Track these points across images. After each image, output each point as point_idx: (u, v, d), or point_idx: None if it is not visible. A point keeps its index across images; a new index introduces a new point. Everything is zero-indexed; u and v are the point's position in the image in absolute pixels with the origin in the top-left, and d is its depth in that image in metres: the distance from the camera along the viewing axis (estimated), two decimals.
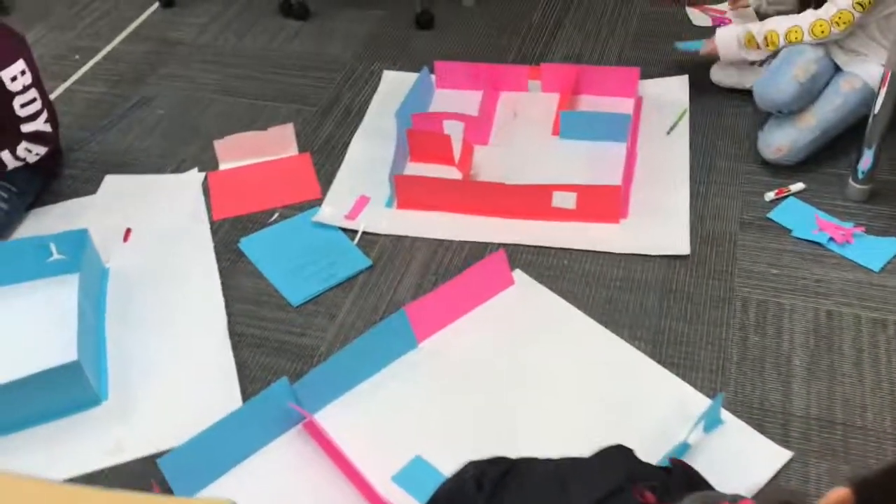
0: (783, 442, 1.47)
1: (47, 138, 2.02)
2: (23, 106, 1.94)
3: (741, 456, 1.44)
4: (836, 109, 1.96)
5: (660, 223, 1.91)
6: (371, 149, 2.21)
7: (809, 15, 1.98)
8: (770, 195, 1.95)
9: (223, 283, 1.87)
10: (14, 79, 1.91)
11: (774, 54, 2.06)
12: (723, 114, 2.22)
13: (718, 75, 2.28)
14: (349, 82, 2.48)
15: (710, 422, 1.48)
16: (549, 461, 1.17)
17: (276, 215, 2.04)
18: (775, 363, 1.60)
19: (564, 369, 1.61)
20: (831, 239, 1.82)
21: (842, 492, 0.68)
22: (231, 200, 2.09)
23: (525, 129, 2.22)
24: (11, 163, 1.98)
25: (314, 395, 1.57)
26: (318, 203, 2.06)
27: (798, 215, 1.90)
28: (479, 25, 2.68)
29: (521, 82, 2.34)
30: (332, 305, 1.80)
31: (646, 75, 2.32)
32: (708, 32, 2.49)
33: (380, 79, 2.48)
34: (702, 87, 2.30)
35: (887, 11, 1.93)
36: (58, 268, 1.89)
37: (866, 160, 1.86)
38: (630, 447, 1.19)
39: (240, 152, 2.19)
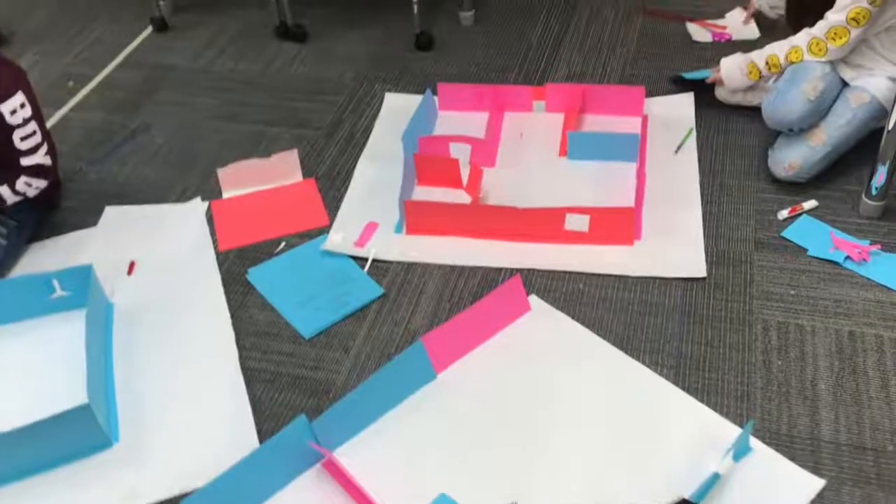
0: (814, 469, 1.44)
1: (47, 172, 1.98)
2: (23, 139, 1.90)
3: (773, 485, 1.42)
4: (847, 124, 1.95)
5: (674, 244, 1.89)
6: (377, 173, 2.18)
7: (804, 35, 1.98)
8: (783, 213, 1.93)
9: (232, 316, 1.83)
10: (14, 112, 1.87)
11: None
12: (729, 131, 2.21)
13: (723, 93, 2.27)
14: (351, 105, 2.45)
15: (740, 450, 1.45)
16: None
17: (283, 244, 2.00)
18: (800, 388, 1.58)
19: (588, 399, 1.58)
20: (848, 258, 1.80)
21: None
22: (236, 230, 2.05)
23: (532, 151, 2.19)
24: (11, 198, 1.94)
25: (333, 433, 1.53)
26: (325, 230, 2.02)
27: (813, 234, 1.88)
28: (479, 46, 2.66)
29: (525, 103, 2.32)
30: (345, 337, 1.76)
31: (649, 93, 2.30)
32: (708, 49, 2.49)
33: (382, 101, 2.45)
34: (707, 105, 2.29)
35: (887, 25, 1.93)
36: (61, 304, 1.85)
37: (880, 176, 1.85)
38: None
39: (243, 180, 2.16)
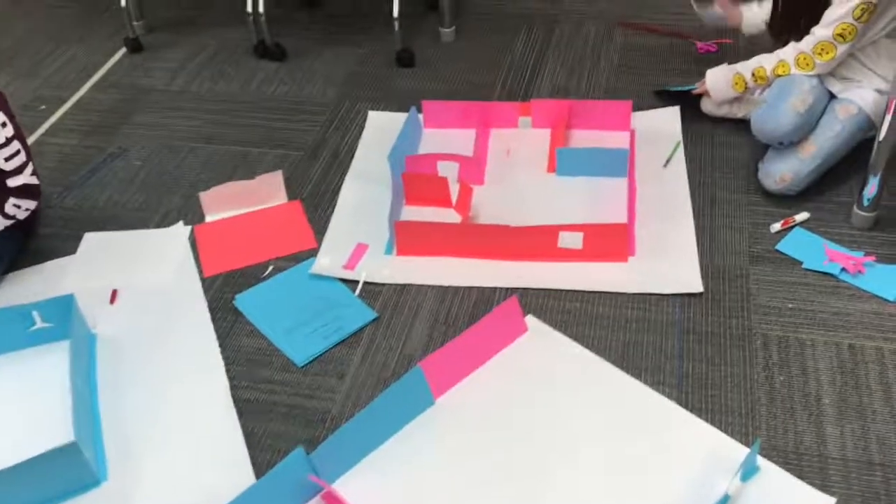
0: (823, 487, 1.42)
1: (35, 192, 1.92)
2: (7, 159, 1.85)
3: None
4: (836, 136, 1.95)
5: (669, 260, 1.87)
6: (363, 193, 2.14)
7: (791, 49, 1.98)
8: (776, 226, 1.92)
9: (221, 345, 1.77)
10: None
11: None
12: (717, 144, 2.20)
13: (709, 105, 2.27)
14: (334, 124, 2.41)
15: (748, 470, 1.43)
16: None
17: (270, 268, 1.95)
18: (804, 403, 1.56)
19: (591, 421, 1.55)
20: (843, 269, 1.80)
21: None
22: (221, 254, 2.00)
23: (520, 168, 2.17)
24: (1, 223, 1.87)
25: (332, 464, 1.48)
26: (313, 253, 1.98)
27: (806, 246, 1.87)
28: (461, 62, 2.64)
29: (511, 119, 2.30)
30: (339, 363, 1.72)
31: (635, 107, 2.29)
32: (692, 62, 2.48)
33: (365, 119, 2.41)
34: (693, 118, 2.28)
35: (873, 39, 1.93)
36: (42, 336, 1.78)
37: (872, 187, 1.85)
38: None
39: (227, 203, 2.11)
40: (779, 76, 2.00)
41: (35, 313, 1.76)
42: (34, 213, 2.00)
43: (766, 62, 2.03)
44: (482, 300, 1.82)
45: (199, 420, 1.62)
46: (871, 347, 1.65)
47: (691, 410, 1.56)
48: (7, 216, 1.89)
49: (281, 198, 2.14)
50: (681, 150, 2.18)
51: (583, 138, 2.25)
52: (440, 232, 1.91)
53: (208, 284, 1.92)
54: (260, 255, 1.99)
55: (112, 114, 2.54)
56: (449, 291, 1.85)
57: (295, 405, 1.65)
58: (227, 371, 1.71)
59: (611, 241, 1.86)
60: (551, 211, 2.00)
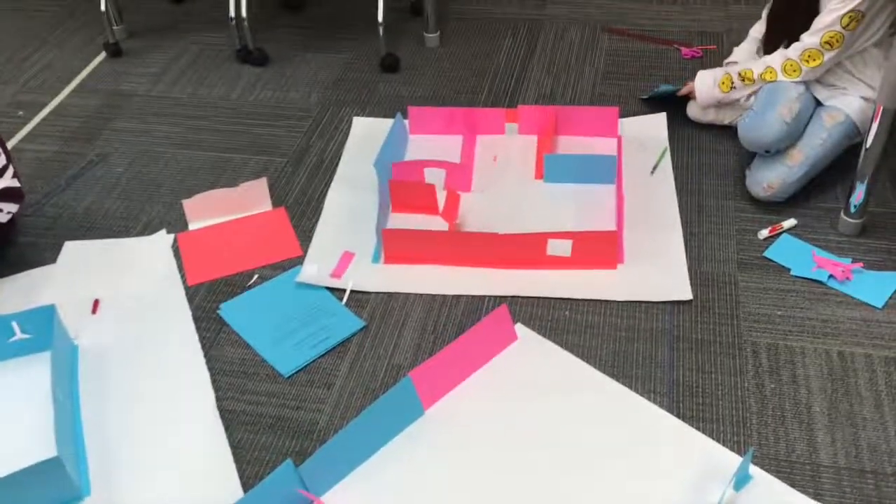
0: (816, 496, 1.42)
1: (17, 194, 1.89)
2: None
3: None
4: (822, 144, 1.95)
5: (658, 267, 1.86)
6: (349, 200, 2.12)
7: (779, 56, 1.99)
8: (764, 233, 1.92)
9: (206, 355, 1.74)
10: None
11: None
12: (703, 150, 2.20)
13: (695, 111, 2.27)
14: (318, 130, 2.39)
15: (741, 479, 1.42)
16: None
17: (255, 277, 1.92)
18: (795, 411, 1.56)
19: (581, 430, 1.54)
20: (831, 276, 1.80)
21: None
22: (205, 263, 1.97)
23: (507, 174, 2.16)
24: None
25: (321, 477, 1.46)
26: (298, 261, 1.95)
27: (794, 253, 1.87)
28: (446, 67, 2.62)
29: (497, 125, 2.29)
30: (327, 373, 1.70)
31: (621, 113, 2.28)
32: (676, 67, 2.48)
33: (349, 125, 2.39)
34: (679, 124, 2.28)
35: (861, 48, 1.94)
36: (22, 348, 1.74)
37: (859, 194, 1.85)
38: None
39: (210, 211, 2.07)
40: (766, 81, 2.00)
41: (14, 324, 1.72)
42: (11, 222, 1.96)
43: (754, 66, 2.03)
44: (471, 309, 1.81)
45: (185, 432, 1.59)
46: (861, 354, 1.65)
47: (683, 419, 1.55)
48: None
49: (265, 205, 2.11)
50: (668, 156, 2.18)
51: (570, 145, 2.24)
52: (428, 240, 1.89)
53: (192, 293, 1.89)
54: (245, 264, 1.96)
55: (92, 119, 2.50)
56: (437, 300, 1.84)
57: (282, 416, 1.62)
58: (213, 382, 1.68)
59: (600, 249, 1.85)
60: (539, 218, 1.99)
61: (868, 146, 1.79)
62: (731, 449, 1.50)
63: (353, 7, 2.92)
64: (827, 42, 1.88)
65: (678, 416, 1.56)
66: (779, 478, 1.45)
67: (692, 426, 1.54)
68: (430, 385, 1.59)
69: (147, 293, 1.90)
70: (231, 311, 1.84)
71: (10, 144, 2.40)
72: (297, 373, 1.70)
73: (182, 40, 2.85)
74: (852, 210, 1.88)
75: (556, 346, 1.71)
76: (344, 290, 1.86)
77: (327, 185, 2.17)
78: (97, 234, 2.07)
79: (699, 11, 2.79)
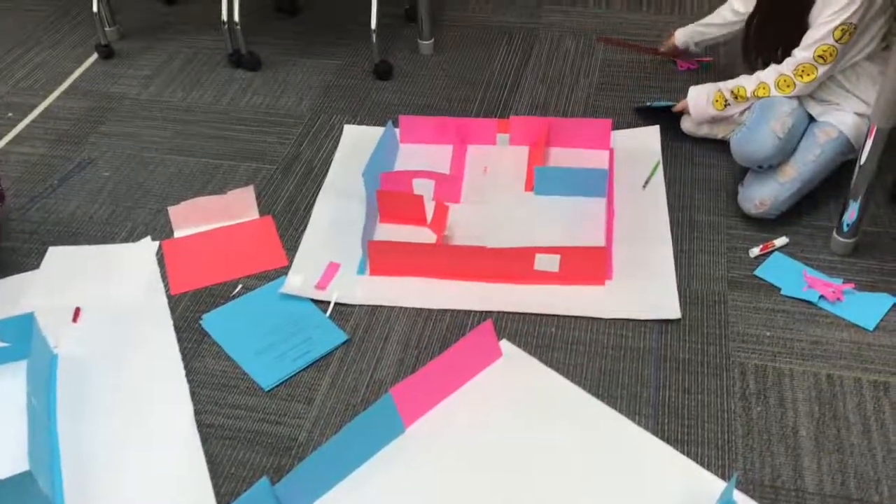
0: None
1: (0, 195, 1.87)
2: None
3: None
4: (815, 160, 1.93)
5: (647, 284, 1.84)
6: (337, 209, 2.09)
7: (772, 71, 1.96)
8: (755, 251, 1.90)
9: (186, 367, 1.72)
10: None
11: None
12: (696, 164, 2.18)
13: (689, 125, 2.24)
14: (308, 137, 2.36)
15: None
16: None
17: (239, 287, 1.90)
18: (781, 435, 1.53)
19: (564, 451, 1.52)
20: (822, 297, 1.78)
21: None
22: (189, 272, 1.94)
23: (497, 186, 2.13)
24: None
25: (297, 495, 1.44)
26: (283, 271, 1.93)
27: (785, 272, 1.85)
28: (439, 75, 2.60)
29: (489, 136, 2.26)
30: (308, 388, 1.67)
31: (615, 125, 2.26)
32: (672, 80, 2.46)
33: (340, 132, 2.37)
34: (673, 138, 2.25)
35: (853, 61, 1.92)
36: (0, 356, 1.72)
37: (852, 213, 1.83)
38: None
39: (196, 218, 2.05)
40: (759, 97, 1.97)
41: None
42: None
43: (746, 82, 2.01)
44: (456, 324, 1.78)
45: (161, 446, 1.57)
46: (850, 378, 1.63)
47: (667, 441, 1.53)
48: None
49: (252, 213, 2.09)
50: (660, 170, 2.15)
51: (562, 156, 2.21)
52: (414, 252, 1.87)
53: (175, 303, 1.87)
54: (229, 273, 1.93)
55: (81, 122, 2.47)
56: (422, 314, 1.81)
57: (261, 431, 1.59)
58: (192, 394, 1.66)
59: (588, 265, 1.83)
60: (528, 231, 1.97)
61: (862, 163, 1.76)
62: (716, 473, 1.47)
63: (347, 13, 2.89)
64: (820, 56, 1.86)
65: (663, 438, 1.53)
66: None
67: (676, 449, 1.51)
68: (412, 402, 1.57)
69: (129, 302, 1.87)
70: (213, 321, 1.82)
71: None
72: (277, 386, 1.68)
73: (175, 43, 2.82)
74: (845, 229, 1.86)
75: (541, 363, 1.68)
76: (328, 302, 1.83)
77: (316, 194, 2.15)
78: (82, 240, 2.05)
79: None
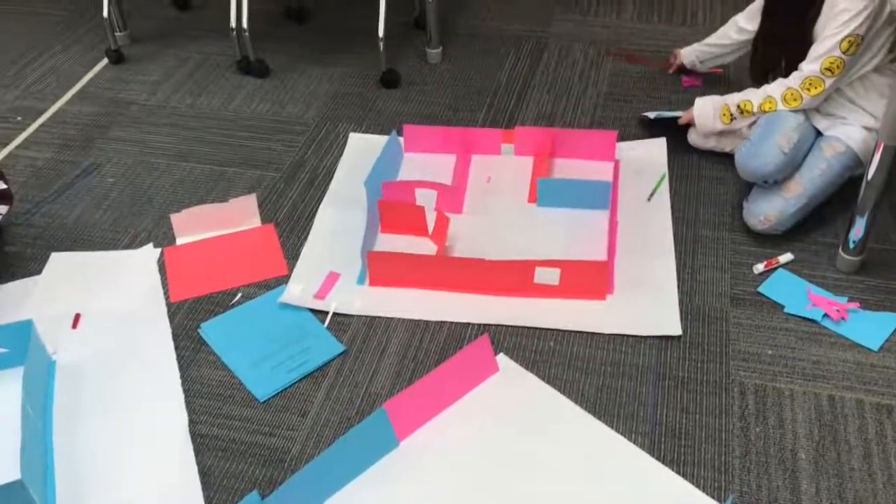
0: None
1: (6, 196, 1.90)
2: None
3: None
4: (822, 175, 1.90)
5: (648, 300, 1.82)
6: (339, 218, 2.09)
7: (778, 85, 1.94)
8: (759, 267, 1.87)
9: (183, 376, 1.72)
10: None
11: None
12: (703, 178, 2.15)
13: (696, 137, 2.22)
14: (314, 145, 2.36)
15: None
16: None
17: (239, 295, 1.90)
18: (780, 457, 1.51)
19: (559, 470, 1.50)
20: (826, 315, 1.75)
21: None
22: (190, 280, 1.94)
23: (500, 197, 2.12)
24: None
25: None
26: (283, 280, 1.92)
27: (789, 289, 1.82)
28: (447, 84, 2.59)
29: (493, 146, 2.25)
30: (302, 399, 1.66)
31: (621, 136, 2.25)
32: (679, 92, 2.44)
33: (345, 141, 2.36)
34: (679, 150, 2.23)
35: (860, 73, 1.89)
36: None
37: (858, 229, 1.80)
38: None
39: (198, 226, 2.05)
40: (765, 112, 1.95)
41: None
42: None
43: (753, 96, 1.98)
44: (453, 336, 1.77)
45: (155, 456, 1.56)
46: (852, 399, 1.60)
47: (663, 461, 1.51)
48: None
49: (254, 222, 2.09)
50: (666, 183, 2.13)
51: (566, 167, 2.20)
52: (413, 263, 1.86)
53: (174, 311, 1.87)
54: (229, 282, 1.93)
55: (89, 127, 2.48)
56: (420, 325, 1.80)
57: (254, 443, 1.59)
58: (187, 404, 1.66)
59: (589, 279, 1.81)
60: (529, 243, 1.95)
61: (869, 178, 1.73)
62: (712, 495, 1.45)
63: (356, 20, 2.89)
64: (827, 69, 1.83)
65: (659, 457, 1.51)
66: None
67: (672, 469, 1.49)
68: (406, 416, 1.56)
69: (129, 309, 1.87)
70: (211, 330, 1.81)
71: (6, 151, 2.40)
72: (272, 397, 1.67)
73: (185, 49, 2.83)
74: (851, 246, 1.83)
75: (538, 379, 1.67)
76: (327, 312, 1.83)
77: (319, 202, 2.15)
78: (84, 246, 2.06)
79: (707, 33, 2.72)
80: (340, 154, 2.32)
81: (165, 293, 1.91)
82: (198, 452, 1.57)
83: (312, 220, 2.09)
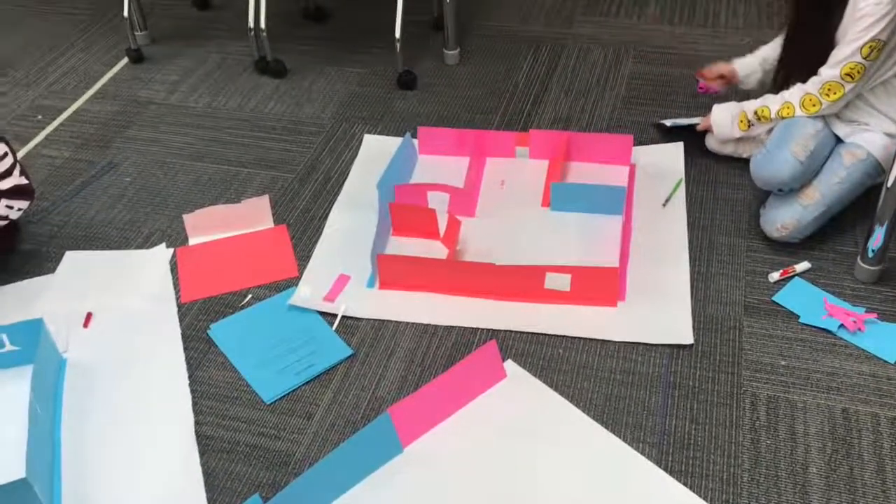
0: None
1: (27, 191, 1.93)
2: None
3: None
4: (841, 182, 1.86)
5: (660, 307, 1.79)
6: (351, 221, 2.08)
7: (797, 90, 1.90)
8: (775, 276, 1.84)
9: (190, 377, 1.72)
10: None
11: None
12: (720, 184, 2.12)
13: (714, 143, 2.18)
14: (328, 146, 2.36)
15: None
16: None
17: (248, 297, 1.90)
18: (790, 471, 1.48)
19: (565, 479, 1.48)
20: (842, 326, 1.71)
21: None
22: (201, 280, 1.95)
23: (513, 200, 2.10)
24: None
25: None
26: (293, 282, 1.92)
27: (805, 298, 1.79)
28: (463, 86, 2.57)
29: (507, 149, 2.23)
30: (308, 402, 1.66)
31: (638, 141, 2.22)
32: (700, 96, 2.40)
33: (360, 142, 2.36)
34: (697, 155, 2.20)
35: (882, 78, 1.85)
36: (10, 359, 1.74)
37: (877, 238, 1.76)
38: None
39: (211, 226, 2.06)
40: (783, 118, 1.91)
41: (3, 336, 1.72)
42: (16, 228, 1.97)
43: (771, 102, 1.95)
44: (461, 342, 1.76)
45: (160, 457, 1.57)
46: (867, 413, 1.56)
47: (671, 472, 1.48)
48: (0, 217, 1.89)
49: (267, 223, 2.09)
50: (682, 188, 2.10)
51: (581, 172, 2.17)
52: (423, 267, 1.85)
53: (185, 311, 1.88)
54: (240, 283, 1.93)
55: (107, 126, 2.50)
56: (428, 330, 1.79)
57: (259, 445, 1.59)
58: (194, 405, 1.66)
59: (600, 285, 1.79)
60: (542, 248, 1.93)
61: (889, 186, 1.69)
62: None
63: (374, 20, 2.88)
64: (847, 74, 1.79)
65: (666, 469, 1.49)
66: None
67: (680, 481, 1.47)
68: (411, 422, 1.55)
69: (139, 309, 1.88)
70: (220, 332, 1.82)
71: (25, 149, 2.42)
72: (279, 400, 1.67)
73: (204, 48, 2.84)
74: (870, 255, 1.79)
75: (546, 386, 1.65)
76: (335, 315, 1.82)
77: (331, 204, 2.14)
78: (99, 245, 2.07)
79: (728, 35, 2.70)
80: (355, 155, 2.31)
81: (177, 294, 1.92)
82: (202, 453, 1.57)
83: (324, 221, 2.09)
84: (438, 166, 2.22)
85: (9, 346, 1.74)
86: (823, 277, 1.83)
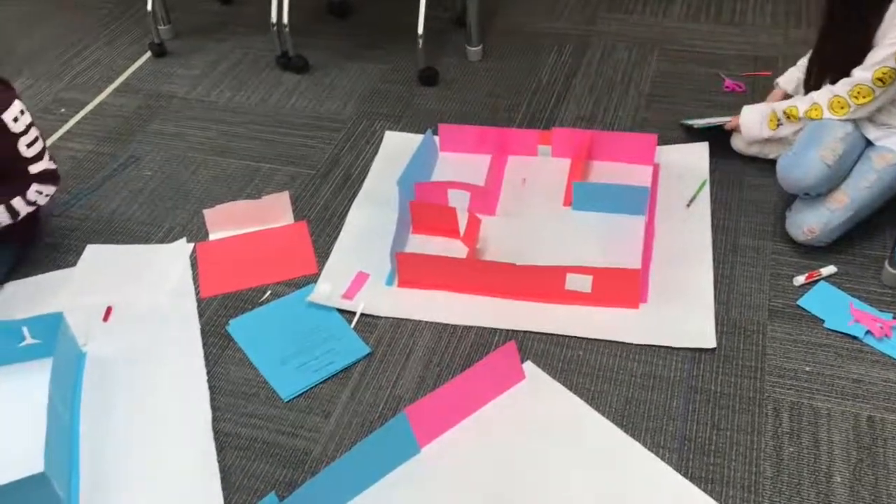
0: None
1: (54, 176, 1.95)
2: (28, 146, 1.88)
3: None
4: (871, 186, 1.83)
5: (682, 310, 1.77)
6: (371, 218, 2.07)
7: (826, 92, 1.86)
8: (800, 279, 1.81)
9: (209, 372, 1.72)
10: (16, 119, 1.85)
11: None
12: (745, 185, 2.09)
13: (740, 143, 2.15)
14: (349, 143, 2.35)
15: None
16: None
17: (268, 293, 1.89)
18: (814, 479, 1.45)
19: (582, 483, 1.46)
20: (868, 332, 1.68)
21: None
22: (220, 275, 1.95)
23: (534, 199, 2.08)
24: (24, 209, 1.91)
25: None
26: (312, 279, 1.92)
27: (831, 303, 1.75)
28: (485, 83, 2.55)
29: (530, 147, 2.21)
30: (326, 400, 1.65)
31: (662, 140, 2.19)
32: (727, 95, 2.37)
33: (381, 139, 2.35)
34: (722, 155, 2.17)
35: None
36: (31, 352, 1.75)
37: None
38: None
39: (231, 222, 2.06)
40: (811, 119, 1.88)
41: (24, 329, 1.73)
42: (31, 222, 1.98)
43: (799, 103, 1.91)
44: (480, 342, 1.74)
45: (177, 453, 1.57)
46: (893, 422, 1.53)
47: (691, 478, 1.46)
48: (29, 203, 1.91)
49: (287, 219, 2.09)
50: (706, 189, 2.07)
51: (604, 171, 2.15)
52: (442, 266, 1.83)
53: (204, 306, 1.88)
54: (259, 279, 1.93)
55: (129, 120, 2.51)
56: (447, 329, 1.78)
57: (276, 443, 1.58)
58: (212, 401, 1.66)
59: (621, 287, 1.77)
60: (562, 247, 1.92)
61: None
62: None
63: (397, 16, 2.87)
64: (879, 79, 1.75)
65: (686, 475, 1.47)
66: None
67: (699, 487, 1.45)
68: (428, 422, 1.54)
69: (160, 303, 1.89)
70: (239, 328, 1.82)
71: (49, 142, 2.43)
72: (297, 397, 1.66)
73: (227, 43, 2.85)
74: None
75: (565, 388, 1.63)
76: (354, 312, 1.81)
77: (352, 201, 2.14)
78: (119, 239, 2.08)
79: (756, 33, 2.66)
80: (375, 152, 2.30)
81: (196, 289, 1.92)
82: (220, 451, 1.57)
83: (344, 218, 2.08)
84: (459, 164, 2.21)
85: (29, 340, 1.74)
86: (850, 282, 1.80)
